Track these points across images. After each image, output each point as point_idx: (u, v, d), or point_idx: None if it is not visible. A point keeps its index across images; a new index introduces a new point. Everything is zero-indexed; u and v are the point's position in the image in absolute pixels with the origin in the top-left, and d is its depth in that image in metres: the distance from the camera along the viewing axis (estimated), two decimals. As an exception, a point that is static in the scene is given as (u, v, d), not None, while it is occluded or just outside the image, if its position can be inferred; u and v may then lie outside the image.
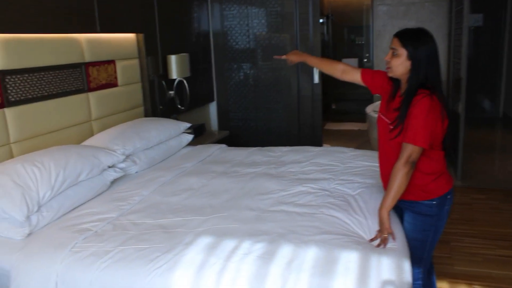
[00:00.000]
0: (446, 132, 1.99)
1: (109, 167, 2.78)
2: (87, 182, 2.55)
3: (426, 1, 6.62)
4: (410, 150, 1.92)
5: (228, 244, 1.92)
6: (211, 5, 5.01)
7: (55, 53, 2.91)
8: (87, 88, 3.20)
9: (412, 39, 1.98)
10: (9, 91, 2.58)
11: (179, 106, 4.32)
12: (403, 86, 2.06)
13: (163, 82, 4.08)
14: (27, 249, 2.00)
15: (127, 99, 3.66)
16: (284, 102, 5.01)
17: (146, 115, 3.90)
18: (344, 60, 8.11)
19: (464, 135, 4.73)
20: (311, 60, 2.68)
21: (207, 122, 5.19)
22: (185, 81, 4.28)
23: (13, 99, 2.60)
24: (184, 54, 4.17)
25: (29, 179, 2.21)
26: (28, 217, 2.12)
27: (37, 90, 2.77)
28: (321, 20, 5.73)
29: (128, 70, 3.66)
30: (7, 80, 2.56)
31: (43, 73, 2.81)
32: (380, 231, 1.96)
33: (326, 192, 2.50)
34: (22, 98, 2.66)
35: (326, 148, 3.55)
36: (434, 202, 2.04)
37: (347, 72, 2.44)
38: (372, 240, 1.96)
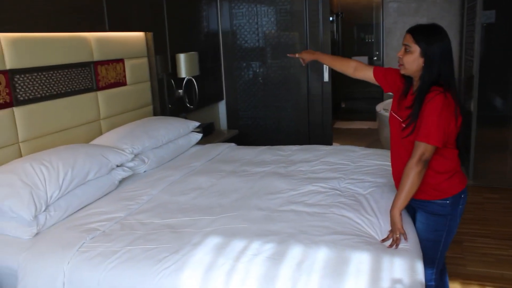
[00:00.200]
0: (459, 130, 1.95)
1: (118, 166, 2.76)
2: (95, 181, 2.54)
3: (437, -3, 6.54)
4: (423, 149, 1.87)
5: (237, 245, 1.89)
6: (220, 4, 4.99)
7: (64, 52, 2.90)
8: (96, 87, 3.19)
9: (426, 35, 1.93)
10: (18, 90, 2.57)
11: (188, 105, 4.30)
12: (416, 84, 2.01)
13: (172, 81, 4.07)
14: (35, 248, 1.99)
15: (136, 98, 3.64)
16: (294, 100, 4.98)
17: (155, 114, 3.89)
18: (354, 58, 8.03)
19: (476, 134, 4.66)
20: (323, 59, 2.66)
21: (216, 121, 5.17)
22: (194, 80, 4.26)
23: (21, 98, 2.60)
24: (193, 52, 4.15)
25: (37, 178, 2.21)
26: (36, 217, 2.11)
27: (46, 89, 2.77)
28: (330, 18, 5.69)
29: (137, 69, 3.65)
30: (16, 79, 2.56)
31: (51, 72, 2.80)
32: (392, 231, 1.92)
33: (337, 192, 2.47)
34: (30, 97, 2.66)
35: (336, 147, 3.52)
36: (447, 202, 2.00)
37: (360, 69, 2.42)
38: (384, 240, 1.93)
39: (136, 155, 2.98)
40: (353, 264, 1.73)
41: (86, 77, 3.10)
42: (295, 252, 1.82)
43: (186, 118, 4.06)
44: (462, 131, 1.95)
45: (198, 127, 3.75)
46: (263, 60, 5.02)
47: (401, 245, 1.88)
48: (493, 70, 7.53)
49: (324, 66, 4.70)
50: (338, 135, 6.81)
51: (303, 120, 4.97)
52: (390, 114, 2.15)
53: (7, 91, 2.51)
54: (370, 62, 8.21)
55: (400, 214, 1.93)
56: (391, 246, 1.88)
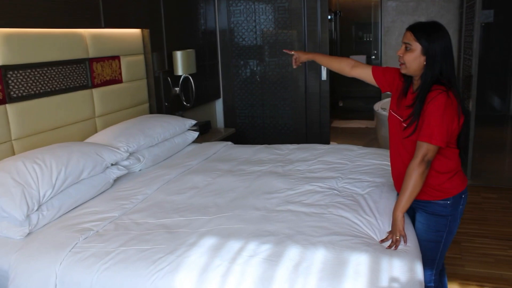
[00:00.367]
0: (461, 129, 1.91)
1: (112, 164, 2.72)
2: (89, 180, 2.50)
3: (436, -4, 6.52)
4: (425, 149, 1.84)
5: (233, 245, 1.86)
6: (218, 1, 4.95)
7: (59, 48, 2.86)
8: (91, 84, 3.15)
9: (426, 33, 1.90)
10: (11, 87, 2.53)
11: (185, 103, 4.26)
12: (416, 82, 1.98)
13: (169, 79, 4.03)
14: (26, 249, 1.95)
15: (132, 95, 3.60)
16: (291, 99, 4.94)
17: (151, 112, 3.85)
18: (352, 57, 8.01)
19: (474, 133, 4.65)
20: (319, 58, 2.60)
21: (212, 119, 5.13)
22: (191, 78, 4.22)
23: (15, 95, 2.55)
24: (190, 50, 4.11)
25: (30, 177, 2.16)
26: (28, 216, 2.07)
27: (40, 86, 2.72)
28: (329, 17, 5.66)
29: (133, 66, 3.61)
30: (9, 75, 2.51)
31: (46, 69, 2.76)
32: (392, 233, 1.89)
33: (335, 191, 2.43)
34: (24, 94, 2.61)
35: (334, 146, 3.48)
36: (448, 202, 1.97)
37: (357, 68, 2.38)
38: (382, 241, 1.90)
39: (131, 154, 2.94)
40: (351, 266, 1.70)
41: (81, 74, 3.06)
42: (292, 253, 1.78)
43: (182, 116, 4.02)
44: (463, 130, 1.92)
45: (194, 125, 3.71)
46: (260, 58, 4.98)
47: (400, 246, 1.86)
48: (492, 69, 7.53)
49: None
50: (336, 134, 6.79)
51: (300, 118, 4.94)
52: (390, 113, 2.12)
53: (0, 88, 2.46)
54: (368, 61, 8.19)
55: (403, 216, 1.90)
56: (390, 247, 1.84)
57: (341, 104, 8.91)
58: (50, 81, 2.79)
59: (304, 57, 2.66)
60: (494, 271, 3.04)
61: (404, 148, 2.00)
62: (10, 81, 2.52)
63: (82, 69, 3.06)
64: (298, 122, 4.96)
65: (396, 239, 1.85)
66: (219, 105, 5.24)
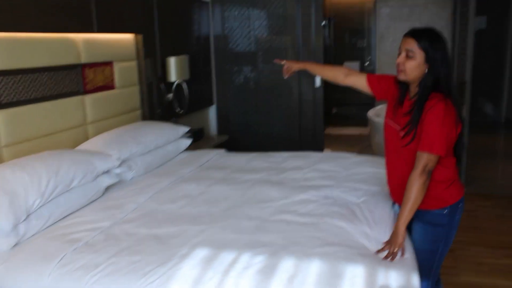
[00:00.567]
0: (458, 137, 1.89)
1: (104, 172, 2.67)
2: (80, 188, 2.45)
3: (429, 2, 6.54)
4: (426, 159, 1.82)
5: (226, 257, 1.82)
6: (212, 7, 4.92)
7: (50, 54, 2.81)
8: (83, 90, 3.10)
9: (430, 40, 1.87)
10: (0, 93, 2.47)
11: (178, 110, 4.22)
12: (413, 89, 1.96)
13: (162, 85, 3.99)
14: (13, 261, 1.89)
15: (124, 102, 3.56)
16: (285, 106, 4.92)
17: (144, 118, 3.81)
18: (346, 63, 8.02)
19: (468, 140, 4.65)
20: (311, 67, 2.55)
21: (206, 126, 5.09)
22: (184, 84, 4.19)
23: (5, 101, 2.50)
24: (183, 56, 4.08)
25: (18, 186, 2.10)
26: (15, 226, 2.01)
27: (31, 92, 2.67)
28: (323, 23, 5.65)
29: (125, 72, 3.56)
30: (-2, 81, 2.47)
31: (37, 74, 2.71)
32: (391, 244, 1.85)
33: (330, 200, 2.40)
34: (14, 100, 2.56)
35: (328, 153, 3.46)
36: (445, 211, 1.95)
37: (351, 76, 2.34)
38: (379, 251, 1.86)
39: (123, 161, 2.89)
40: (347, 278, 1.67)
41: (73, 80, 3.02)
42: (287, 265, 1.74)
43: (175, 123, 3.98)
44: (461, 138, 1.90)
45: (187, 132, 3.67)
46: (254, 64, 4.96)
47: (397, 257, 1.82)
48: (485, 76, 7.58)
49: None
50: (330, 141, 6.76)
51: (294, 126, 4.91)
52: (385, 122, 2.09)
53: (-11, 94, 2.42)
54: (362, 67, 8.19)
55: (405, 229, 1.87)
56: (386, 258, 1.81)
57: (334, 111, 8.91)
58: (41, 87, 2.75)
59: (295, 66, 2.60)
60: (489, 280, 3.03)
61: (400, 157, 1.97)
62: (0, 87, 2.47)
63: (74, 75, 3.02)
64: (292, 129, 4.93)
65: (394, 251, 1.82)
66: (212, 112, 5.20)
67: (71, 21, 2.92)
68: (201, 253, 1.85)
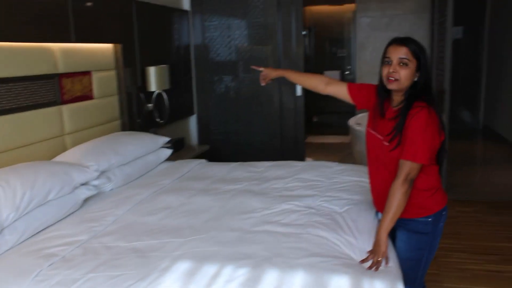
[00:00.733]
0: (441, 145, 1.89)
1: (82, 184, 2.61)
2: (57, 201, 2.38)
3: (408, 13, 6.63)
4: (408, 168, 1.81)
5: (209, 270, 1.77)
6: (192, 16, 4.89)
7: (26, 63, 2.74)
8: (60, 100, 3.04)
9: (420, 48, 1.88)
10: (-27, 104, 2.41)
11: (158, 120, 4.17)
12: (396, 98, 1.95)
13: (142, 95, 3.94)
14: (-14, 278, 1.82)
15: (103, 112, 3.50)
16: (266, 115, 4.90)
17: (123, 129, 3.74)
18: (326, 72, 8.08)
19: (448, 148, 4.69)
20: (290, 75, 2.49)
21: (186, 136, 5.04)
22: (164, 94, 4.14)
23: (-23, 113, 2.43)
24: (163, 66, 4.04)
25: (-9, 199, 2.04)
26: (-12, 242, 1.94)
27: (5, 102, 2.60)
28: (303, 33, 5.69)
29: (104, 82, 3.50)
30: (-29, 92, 2.39)
31: (11, 84, 2.63)
32: (374, 253, 1.83)
33: (312, 210, 2.38)
34: (-13, 111, 2.49)
35: (310, 162, 3.44)
36: (429, 219, 1.94)
37: (332, 85, 2.30)
38: (363, 261, 1.84)
39: (101, 173, 2.83)
40: (332, 289, 1.64)
41: (50, 90, 2.95)
42: (271, 277, 1.71)
43: (155, 133, 3.93)
44: (443, 146, 1.90)
45: (168, 142, 3.62)
46: (235, 74, 4.94)
47: (381, 267, 1.81)
48: (461, 84, 7.71)
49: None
50: (311, 150, 6.76)
51: (275, 134, 4.90)
52: (367, 132, 2.08)
53: (-39, 105, 2.34)
54: (342, 76, 8.26)
55: (387, 237, 1.85)
56: (370, 268, 1.79)
57: (315, 120, 8.94)
58: (16, 98, 2.67)
59: (273, 74, 2.54)
60: (471, 287, 3.03)
61: (383, 165, 1.96)
62: (-28, 98, 2.40)
63: (51, 85, 2.95)
64: (273, 138, 4.91)
65: (378, 260, 1.80)
66: (193, 121, 5.15)
67: (48, 31, 2.86)
68: (182, 267, 1.81)
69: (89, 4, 3.25)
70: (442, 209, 1.97)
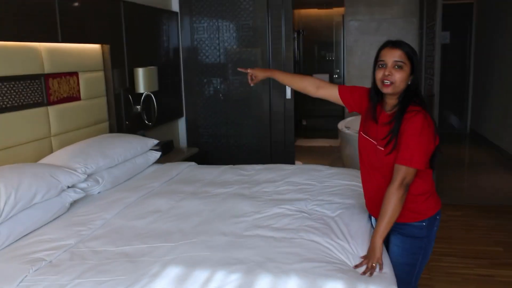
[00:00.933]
0: (435, 150, 1.88)
1: (69, 187, 2.55)
2: (43, 204, 2.31)
3: (397, 17, 6.66)
4: (404, 173, 1.79)
5: (200, 276, 1.73)
6: (181, 18, 4.85)
7: (11, 63, 2.68)
8: (47, 101, 2.97)
9: (413, 51, 1.86)
10: (-44, 104, 2.34)
11: (146, 122, 4.12)
12: (390, 102, 1.93)
13: (130, 96, 3.88)
14: (-32, 284, 1.76)
15: (91, 113, 3.43)
16: (256, 118, 4.87)
17: (111, 131, 3.68)
18: (315, 75, 8.07)
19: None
20: (279, 76, 2.42)
21: (175, 139, 4.99)
22: (152, 96, 4.09)
23: (-40, 113, 2.36)
24: (152, 67, 3.99)
25: (-25, 203, 1.97)
26: (-29, 247, 1.88)
27: (-11, 103, 2.54)
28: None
29: (92, 83, 3.44)
30: (-46, 92, 2.33)
31: (-4, 85, 2.58)
32: (368, 258, 1.81)
33: (304, 214, 2.35)
34: (-29, 112, 2.42)
35: (301, 166, 3.42)
36: (424, 224, 1.93)
37: (323, 88, 2.25)
38: (357, 266, 1.81)
39: (89, 175, 2.76)
40: (326, 295, 1.61)
41: (36, 90, 2.88)
42: (264, 283, 1.67)
43: (144, 135, 3.87)
44: (437, 150, 1.88)
45: (156, 145, 3.57)
46: (224, 76, 4.90)
47: (375, 272, 1.78)
48: (449, 89, 7.77)
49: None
50: (300, 153, 6.75)
51: (265, 137, 4.86)
52: (360, 136, 2.05)
53: None
54: (331, 80, 8.27)
55: (382, 243, 1.83)
56: (364, 273, 1.76)
57: (304, 123, 8.93)
58: (0, 98, 2.61)
59: (262, 74, 2.47)
60: (462, 291, 3.04)
61: (376, 170, 1.94)
62: (-45, 98, 2.33)
63: (36, 86, 2.89)
64: (263, 141, 4.88)
65: (372, 265, 1.77)
66: (182, 123, 5.10)
67: (34, 30, 2.79)
68: (173, 272, 1.76)
69: (76, 4, 3.19)
70: (436, 213, 1.96)
